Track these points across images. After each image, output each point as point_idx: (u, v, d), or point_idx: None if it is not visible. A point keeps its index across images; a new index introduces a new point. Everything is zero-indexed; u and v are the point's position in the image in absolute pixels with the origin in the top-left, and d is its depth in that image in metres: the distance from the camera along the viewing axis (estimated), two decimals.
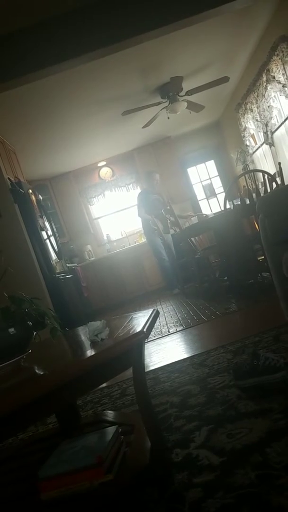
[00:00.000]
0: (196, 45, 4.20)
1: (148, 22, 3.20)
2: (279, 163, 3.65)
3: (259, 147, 5.63)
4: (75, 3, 3.10)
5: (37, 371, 1.08)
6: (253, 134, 5.70)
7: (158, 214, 5.05)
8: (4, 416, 0.82)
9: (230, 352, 1.92)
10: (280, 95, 4.45)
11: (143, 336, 1.03)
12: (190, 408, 1.41)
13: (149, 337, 2.24)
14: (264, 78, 4.64)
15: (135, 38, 3.24)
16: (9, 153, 4.56)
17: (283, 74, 4.19)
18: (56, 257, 4.48)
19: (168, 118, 5.29)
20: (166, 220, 4.98)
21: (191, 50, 4.26)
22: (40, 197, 4.51)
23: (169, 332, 2.96)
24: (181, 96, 4.91)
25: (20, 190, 4.07)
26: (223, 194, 6.84)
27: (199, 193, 7.28)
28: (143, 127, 5.47)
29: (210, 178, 7.32)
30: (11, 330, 1.10)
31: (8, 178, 4.08)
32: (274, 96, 4.61)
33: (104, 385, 2.08)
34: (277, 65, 4.27)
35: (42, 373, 1.04)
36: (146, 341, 1.10)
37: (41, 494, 0.99)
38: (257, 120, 5.22)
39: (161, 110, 5.01)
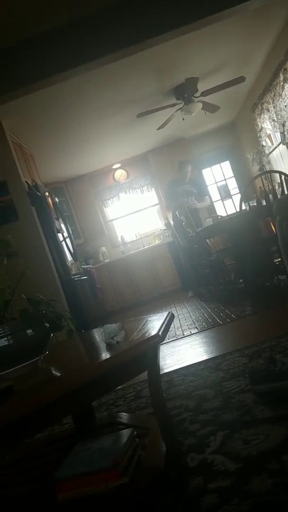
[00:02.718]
0: (212, 46, 4.19)
1: (163, 24, 3.22)
2: None
3: (275, 147, 5.58)
4: (89, 9, 3.13)
5: (54, 372, 1.09)
6: (269, 134, 5.64)
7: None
8: (22, 417, 0.83)
9: (245, 356, 1.90)
10: None
11: (158, 340, 1.03)
12: (205, 413, 1.40)
13: (164, 339, 2.23)
14: (281, 78, 4.59)
15: (150, 40, 3.27)
16: (27, 156, 4.63)
17: None
18: (71, 258, 4.52)
19: (183, 119, 5.28)
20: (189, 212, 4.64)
21: (206, 50, 4.25)
22: (56, 199, 4.56)
23: (183, 334, 2.95)
24: (196, 97, 4.90)
25: (37, 193, 4.12)
26: (239, 195, 6.79)
27: (214, 194, 7.25)
28: (158, 129, 5.47)
29: (225, 179, 7.28)
30: (29, 331, 1.12)
31: (26, 182, 4.13)
32: None
33: (119, 387, 2.08)
34: None
35: (59, 374, 1.05)
36: (160, 343, 1.10)
37: (57, 495, 1.00)
38: (273, 120, 5.16)
39: (176, 111, 5.01)
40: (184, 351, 2.48)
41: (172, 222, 5.13)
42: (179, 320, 3.62)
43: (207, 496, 0.94)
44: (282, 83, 4.62)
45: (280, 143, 5.26)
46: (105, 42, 3.24)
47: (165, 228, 6.72)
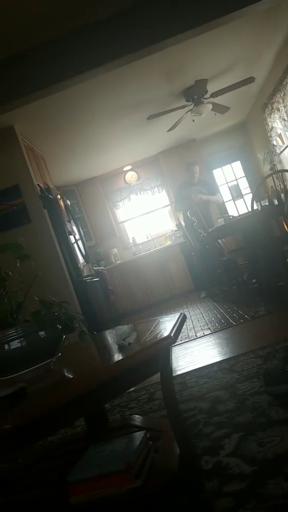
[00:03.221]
0: (220, 47, 4.16)
1: (172, 28, 3.21)
2: None
3: (286, 146, 5.51)
4: (98, 14, 3.15)
5: (66, 374, 1.09)
6: (280, 133, 5.59)
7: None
8: (35, 419, 0.83)
9: (260, 357, 1.87)
10: None
11: (170, 341, 1.02)
12: (219, 415, 1.38)
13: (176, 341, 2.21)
14: None
15: (159, 44, 3.27)
16: (39, 160, 4.67)
17: None
18: (83, 260, 4.54)
19: (193, 120, 5.26)
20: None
21: (215, 52, 4.23)
22: (68, 202, 4.58)
23: (196, 336, 2.93)
24: (206, 98, 4.88)
25: (49, 196, 4.15)
26: (250, 195, 6.74)
27: (225, 195, 7.20)
28: (168, 131, 5.46)
29: (236, 179, 7.23)
30: (42, 333, 1.12)
31: (38, 185, 4.17)
32: None
33: (131, 389, 2.08)
34: None
35: (72, 376, 1.05)
36: (172, 345, 1.09)
37: (70, 498, 1.00)
38: (284, 120, 5.11)
39: (186, 113, 5.00)
40: (197, 352, 2.46)
41: (183, 223, 5.12)
42: (192, 321, 3.60)
43: (222, 499, 0.92)
44: None
45: None
46: (115, 46, 3.25)
47: (177, 229, 6.71)
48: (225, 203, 7.15)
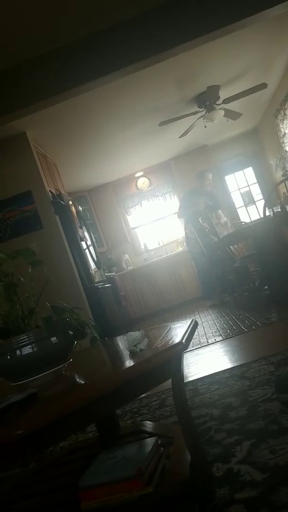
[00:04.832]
0: (233, 53, 4.18)
1: (184, 34, 3.24)
2: None
3: None
4: (110, 21, 3.19)
5: (78, 380, 1.10)
6: None
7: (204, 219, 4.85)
8: (46, 425, 0.84)
9: (272, 364, 1.86)
10: None
11: (182, 347, 1.02)
12: (230, 422, 1.37)
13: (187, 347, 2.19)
14: None
15: (171, 50, 3.29)
16: (51, 166, 4.73)
17: None
18: (95, 266, 4.56)
19: (205, 126, 5.28)
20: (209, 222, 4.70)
21: (227, 58, 4.24)
22: (80, 208, 4.62)
23: (207, 342, 2.92)
24: (218, 104, 4.89)
25: (61, 202, 4.20)
26: (262, 201, 6.70)
27: (237, 201, 7.18)
28: (180, 137, 5.48)
29: (248, 185, 7.20)
30: (53, 339, 1.13)
31: (50, 191, 4.22)
32: None
33: (143, 395, 2.07)
34: None
35: (83, 382, 1.06)
36: (184, 351, 1.09)
37: (81, 504, 1.00)
38: None
39: (198, 119, 5.02)
40: (209, 359, 2.45)
41: (186, 231, 5.17)
42: (203, 328, 3.58)
43: (233, 506, 0.92)
44: None
45: None
46: (127, 53, 3.28)
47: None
48: (237, 209, 7.13)
